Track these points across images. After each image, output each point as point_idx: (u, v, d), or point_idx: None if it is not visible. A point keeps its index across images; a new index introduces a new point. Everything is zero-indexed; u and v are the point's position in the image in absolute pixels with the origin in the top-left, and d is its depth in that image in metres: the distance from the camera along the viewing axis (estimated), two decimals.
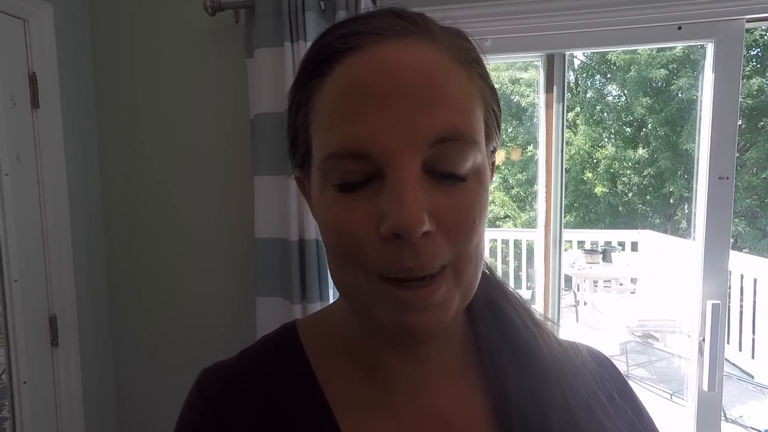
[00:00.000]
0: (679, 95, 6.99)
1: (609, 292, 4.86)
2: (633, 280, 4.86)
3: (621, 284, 4.92)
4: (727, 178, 1.19)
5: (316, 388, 0.38)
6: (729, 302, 3.45)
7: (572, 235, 5.51)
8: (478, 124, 0.33)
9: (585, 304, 4.59)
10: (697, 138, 1.25)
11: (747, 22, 1.13)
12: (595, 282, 4.76)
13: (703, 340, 1.25)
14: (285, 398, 0.38)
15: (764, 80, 6.72)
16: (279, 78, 1.21)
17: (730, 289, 3.51)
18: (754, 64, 6.91)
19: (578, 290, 4.63)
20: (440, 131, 0.30)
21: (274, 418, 0.38)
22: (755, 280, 3.44)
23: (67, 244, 1.34)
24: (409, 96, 0.30)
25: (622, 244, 5.29)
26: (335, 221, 0.32)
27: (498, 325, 0.40)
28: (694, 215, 1.27)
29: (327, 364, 0.40)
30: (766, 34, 6.70)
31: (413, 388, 0.38)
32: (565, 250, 5.22)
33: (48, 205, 1.28)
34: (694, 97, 6.62)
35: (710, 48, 1.18)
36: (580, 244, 5.28)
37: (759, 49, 6.83)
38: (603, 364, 0.44)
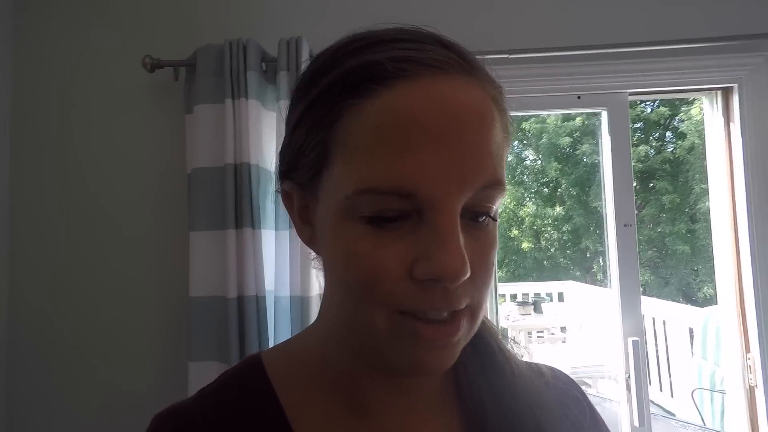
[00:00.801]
0: (584, 159, 7.91)
1: (542, 343, 5.05)
2: (563, 329, 5.10)
3: (552, 334, 5.14)
4: (630, 225, 1.36)
5: (285, 429, 0.36)
6: (645, 343, 3.75)
7: (505, 288, 5.76)
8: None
9: (522, 356, 4.70)
10: (603, 193, 1.43)
11: (630, 95, 1.37)
12: (529, 333, 4.93)
13: (629, 376, 1.34)
14: None
15: (648, 147, 7.87)
16: (219, 133, 1.22)
17: (645, 334, 3.83)
18: (639, 134, 8.11)
19: (515, 342, 4.75)
20: (486, 180, 0.30)
21: None
22: (664, 322, 3.80)
23: None
24: (463, 139, 0.29)
25: (549, 295, 5.61)
26: (363, 256, 0.30)
27: (475, 349, 0.40)
28: (608, 259, 1.42)
29: (300, 400, 0.37)
30: (645, 110, 7.97)
31: (398, 420, 0.37)
32: (500, 303, 5.41)
33: None
34: (596, 161, 7.53)
35: (605, 115, 1.39)
36: (513, 297, 5.51)
37: (641, 123, 8.07)
38: (568, 383, 0.45)
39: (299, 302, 1.19)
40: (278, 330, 1.22)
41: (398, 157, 0.28)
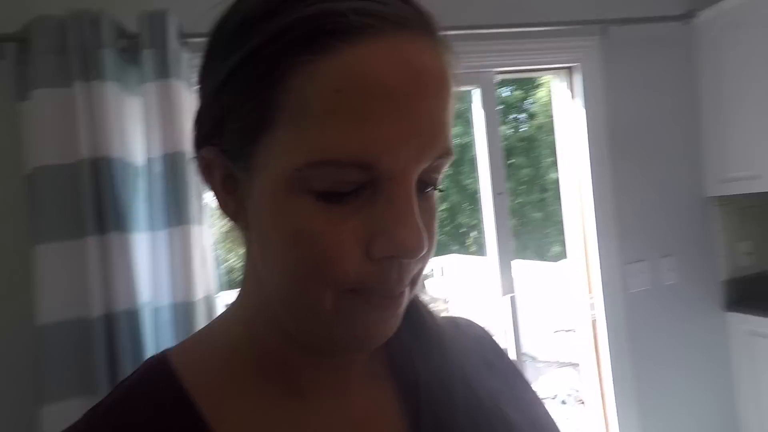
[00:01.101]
0: (455, 140, 8.62)
1: None
2: (445, 301, 5.54)
3: (436, 305, 5.55)
4: (503, 193, 1.54)
5: None
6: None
7: None
8: None
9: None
10: (476, 166, 1.57)
11: (497, 74, 1.53)
12: None
13: (507, 328, 1.51)
14: None
15: (508, 128, 8.93)
16: (68, 123, 1.04)
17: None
18: (501, 116, 9.15)
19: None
20: (441, 150, 0.29)
21: None
22: (526, 278, 4.45)
23: None
24: (423, 107, 0.27)
25: (432, 271, 6.01)
26: (314, 235, 0.27)
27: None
28: (484, 227, 1.57)
29: (223, 395, 0.33)
30: (503, 94, 9.02)
31: (331, 395, 0.35)
32: None
33: None
34: (466, 142, 8.26)
35: (477, 92, 1.52)
36: None
37: (503, 105, 9.10)
38: (480, 330, 0.46)
39: (184, 309, 1.09)
40: (160, 345, 1.09)
41: (360, 126, 0.26)
